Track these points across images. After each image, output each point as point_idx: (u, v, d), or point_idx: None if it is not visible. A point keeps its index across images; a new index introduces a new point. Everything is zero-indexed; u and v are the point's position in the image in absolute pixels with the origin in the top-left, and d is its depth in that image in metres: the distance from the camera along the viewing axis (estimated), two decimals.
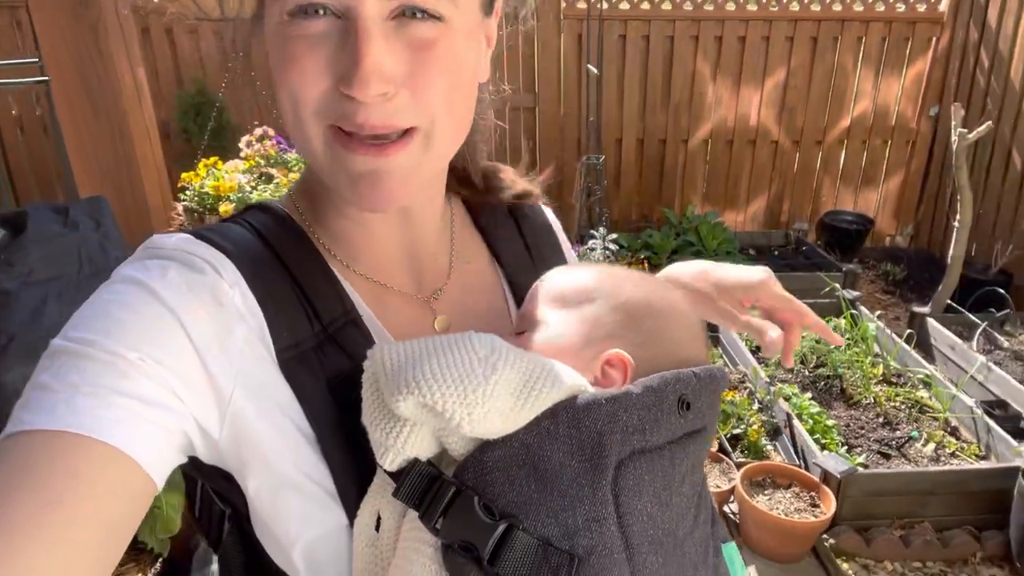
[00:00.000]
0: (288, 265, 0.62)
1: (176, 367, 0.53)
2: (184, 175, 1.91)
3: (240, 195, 1.79)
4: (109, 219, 1.46)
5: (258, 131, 2.05)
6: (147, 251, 0.59)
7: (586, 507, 0.52)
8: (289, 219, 0.66)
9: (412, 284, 0.71)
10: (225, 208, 1.76)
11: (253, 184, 1.89)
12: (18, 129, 4.22)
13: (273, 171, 1.94)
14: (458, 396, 0.51)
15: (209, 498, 0.64)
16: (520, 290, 0.76)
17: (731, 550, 0.69)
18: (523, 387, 0.54)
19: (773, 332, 0.79)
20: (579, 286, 0.66)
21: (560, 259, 0.84)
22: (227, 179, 1.81)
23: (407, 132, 0.57)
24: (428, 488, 0.53)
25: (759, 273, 0.83)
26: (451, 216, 0.78)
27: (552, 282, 0.68)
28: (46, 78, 1.65)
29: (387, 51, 0.54)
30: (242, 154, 2.03)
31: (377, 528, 0.57)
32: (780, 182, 4.79)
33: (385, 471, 0.55)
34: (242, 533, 0.62)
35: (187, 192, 1.88)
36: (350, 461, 0.58)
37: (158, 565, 2.01)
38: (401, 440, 0.53)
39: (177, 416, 0.53)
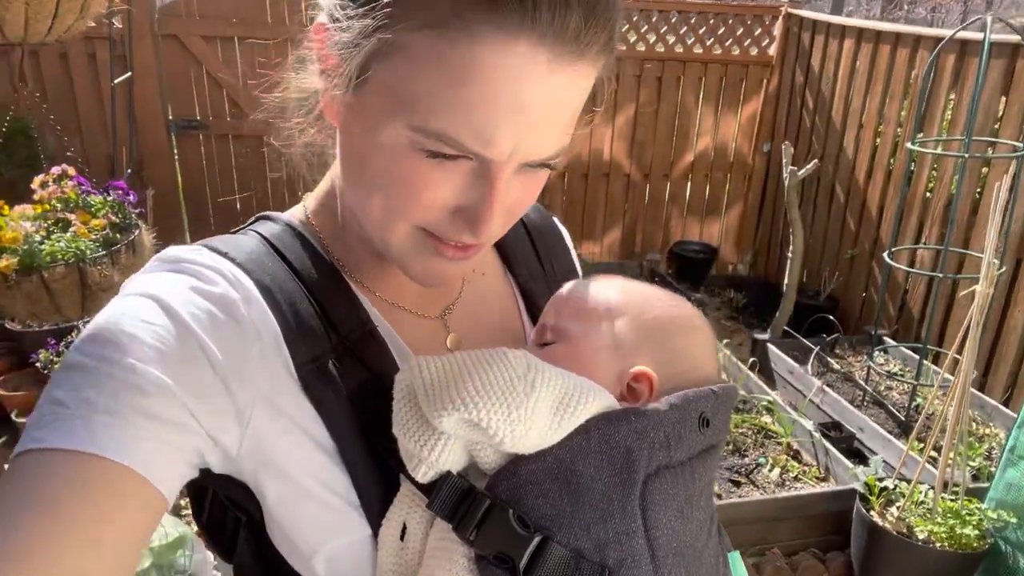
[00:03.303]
0: (302, 277, 0.61)
1: (193, 385, 0.53)
2: None
3: (27, 247, 1.53)
4: None
5: (55, 170, 1.79)
6: (160, 263, 0.59)
7: (616, 520, 0.54)
8: (301, 232, 0.66)
9: (425, 300, 0.71)
10: (6, 262, 1.50)
11: (44, 233, 1.64)
12: None
13: (71, 216, 1.69)
14: (503, 414, 0.52)
15: (221, 506, 0.64)
16: (533, 299, 0.77)
17: (736, 559, 0.72)
18: (560, 404, 0.55)
19: None
20: (605, 301, 0.67)
21: (571, 268, 0.85)
22: (11, 227, 1.56)
23: None
24: (461, 501, 0.54)
25: None
26: None
27: (576, 295, 0.69)
28: None
29: (507, 194, 0.57)
30: (35, 196, 1.77)
31: (402, 537, 0.57)
32: (633, 214, 4.95)
33: (413, 482, 0.56)
34: (257, 540, 0.62)
35: None
36: (372, 472, 0.58)
37: None
38: (436, 453, 0.54)
39: (193, 435, 0.53)
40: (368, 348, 0.62)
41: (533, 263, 0.81)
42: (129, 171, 3.39)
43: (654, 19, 4.50)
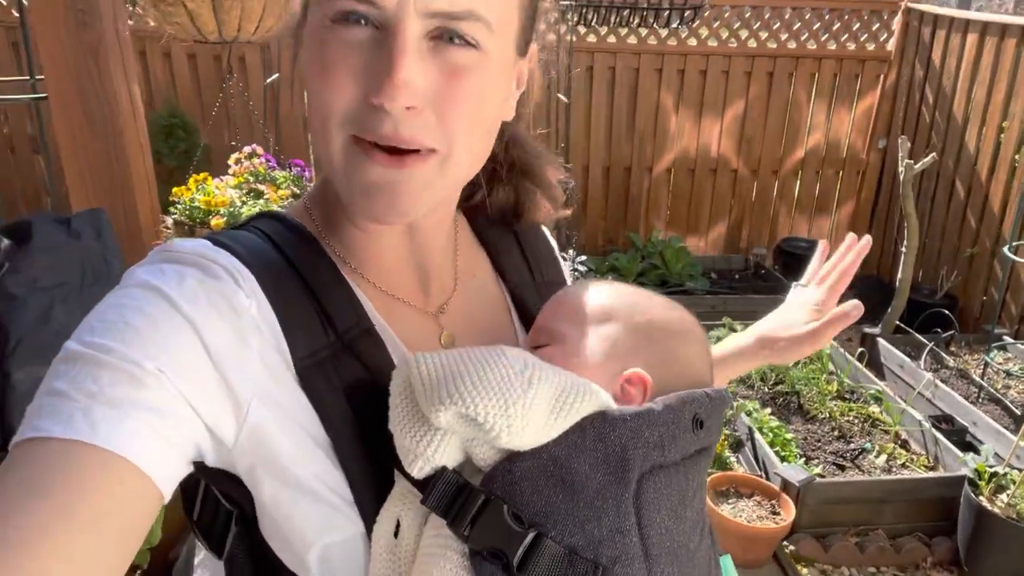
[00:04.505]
0: (302, 273, 0.62)
1: (193, 378, 0.53)
2: (176, 190, 1.97)
3: (231, 209, 1.85)
4: (108, 230, 1.51)
5: (247, 149, 2.12)
6: (163, 254, 0.59)
7: (610, 518, 0.55)
8: (301, 227, 0.66)
9: (420, 297, 0.72)
10: (216, 221, 1.82)
11: (243, 199, 1.96)
12: (8, 148, 4.26)
13: (262, 187, 2.01)
14: (500, 408, 0.53)
15: (214, 499, 0.64)
16: (524, 306, 0.79)
17: (727, 562, 0.74)
18: (556, 401, 0.56)
19: (847, 308, 0.87)
20: (599, 304, 0.68)
21: (561, 279, 0.87)
22: (218, 194, 1.88)
23: (426, 151, 0.59)
24: (456, 496, 0.54)
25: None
26: (455, 232, 0.79)
27: (572, 298, 0.70)
28: (43, 95, 1.70)
29: (420, 69, 0.55)
30: (231, 171, 2.10)
31: (395, 534, 0.58)
32: (739, 209, 4.99)
33: (408, 479, 0.57)
34: (249, 536, 0.62)
35: (177, 206, 1.94)
36: (367, 469, 0.58)
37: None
38: (432, 448, 0.54)
39: (191, 428, 0.54)
40: (365, 345, 0.62)
41: (524, 271, 0.82)
42: None
43: (766, 16, 4.53)
